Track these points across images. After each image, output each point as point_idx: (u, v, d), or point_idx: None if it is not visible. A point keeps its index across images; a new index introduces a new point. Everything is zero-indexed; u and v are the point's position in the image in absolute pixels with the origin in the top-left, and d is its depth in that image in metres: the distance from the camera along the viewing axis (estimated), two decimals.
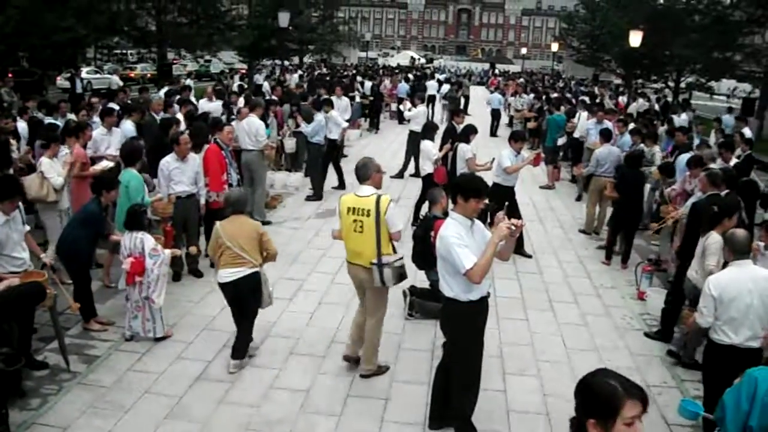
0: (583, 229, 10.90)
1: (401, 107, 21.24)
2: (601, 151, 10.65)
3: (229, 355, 6.00)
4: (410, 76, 34.54)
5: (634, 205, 9.17)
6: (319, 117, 12.28)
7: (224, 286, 5.84)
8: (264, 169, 10.73)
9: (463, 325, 4.63)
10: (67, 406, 5.21)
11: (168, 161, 7.80)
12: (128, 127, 9.87)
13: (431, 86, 26.96)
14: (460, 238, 4.39)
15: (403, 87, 26.62)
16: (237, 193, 6.17)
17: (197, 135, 8.47)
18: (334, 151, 12.94)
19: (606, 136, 11.07)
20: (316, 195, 12.13)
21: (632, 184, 9.12)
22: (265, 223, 10.24)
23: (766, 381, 3.11)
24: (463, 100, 28.22)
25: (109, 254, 7.51)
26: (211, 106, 13.36)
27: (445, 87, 28.64)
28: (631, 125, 13.13)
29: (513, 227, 4.20)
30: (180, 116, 10.61)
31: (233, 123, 10.46)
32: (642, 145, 11.20)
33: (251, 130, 10.24)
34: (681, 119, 16.81)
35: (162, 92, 14.99)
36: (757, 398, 3.08)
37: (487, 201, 4.68)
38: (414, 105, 15.41)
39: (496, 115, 22.69)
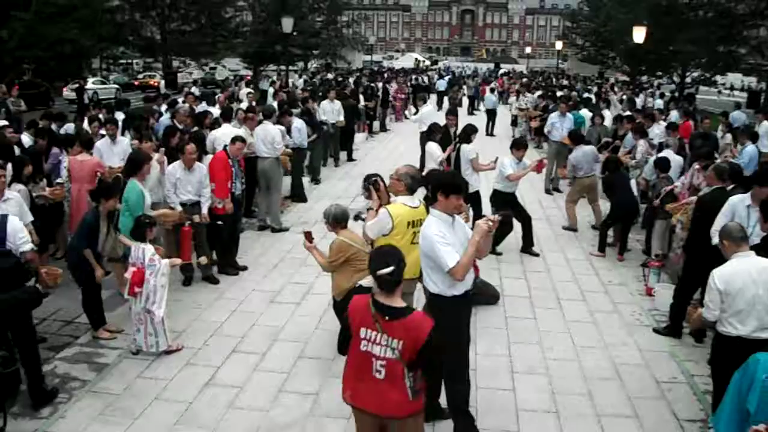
0: (595, 225, 10.86)
1: (407, 111, 21.51)
2: (576, 155, 10.70)
3: (237, 360, 6.06)
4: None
5: (627, 199, 9.39)
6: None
7: None
8: (280, 175, 10.62)
9: (450, 320, 4.68)
10: (77, 414, 5.24)
11: (174, 170, 7.83)
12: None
13: (440, 84, 27.44)
14: (443, 236, 4.48)
15: (443, 82, 27.28)
16: (337, 208, 5.97)
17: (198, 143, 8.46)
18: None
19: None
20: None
21: (619, 186, 9.45)
22: (283, 230, 10.29)
23: (767, 364, 3.06)
24: (467, 101, 28.38)
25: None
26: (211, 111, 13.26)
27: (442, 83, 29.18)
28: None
29: (491, 223, 4.36)
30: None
31: (241, 129, 10.44)
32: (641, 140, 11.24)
33: (267, 138, 10.16)
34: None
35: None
36: (756, 381, 3.04)
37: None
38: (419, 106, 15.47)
39: (491, 114, 22.78)
